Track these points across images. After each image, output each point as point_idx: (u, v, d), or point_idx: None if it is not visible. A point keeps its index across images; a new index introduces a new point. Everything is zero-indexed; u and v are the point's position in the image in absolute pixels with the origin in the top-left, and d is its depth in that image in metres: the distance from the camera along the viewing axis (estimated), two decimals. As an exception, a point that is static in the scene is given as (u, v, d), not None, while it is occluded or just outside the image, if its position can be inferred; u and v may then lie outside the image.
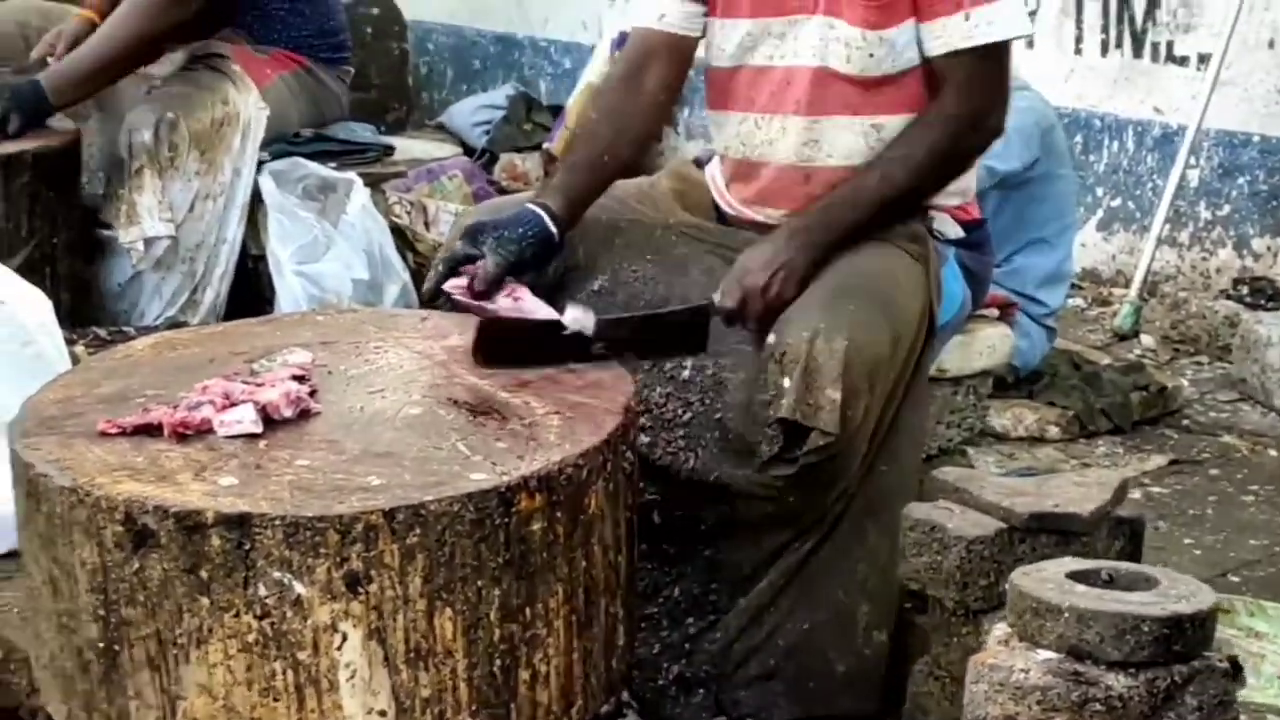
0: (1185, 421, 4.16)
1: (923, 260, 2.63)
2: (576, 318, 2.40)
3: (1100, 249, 5.29)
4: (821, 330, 2.39)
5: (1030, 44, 5.32)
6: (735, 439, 2.51)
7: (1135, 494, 3.67)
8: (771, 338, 2.45)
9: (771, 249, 2.54)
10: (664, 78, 2.78)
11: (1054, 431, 3.96)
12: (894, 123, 2.62)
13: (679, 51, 2.79)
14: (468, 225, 2.61)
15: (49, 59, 4.05)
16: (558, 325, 2.39)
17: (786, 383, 2.38)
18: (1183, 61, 5.03)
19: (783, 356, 2.39)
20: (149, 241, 3.85)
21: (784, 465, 2.43)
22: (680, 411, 2.58)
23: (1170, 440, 4.03)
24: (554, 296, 2.60)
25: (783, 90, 2.68)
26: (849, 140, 2.64)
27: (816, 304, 2.45)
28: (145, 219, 3.84)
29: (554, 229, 2.61)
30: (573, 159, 2.77)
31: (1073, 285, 5.00)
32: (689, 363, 2.59)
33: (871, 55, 2.60)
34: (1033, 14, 5.29)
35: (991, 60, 2.57)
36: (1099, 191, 5.29)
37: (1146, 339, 4.77)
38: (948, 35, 2.56)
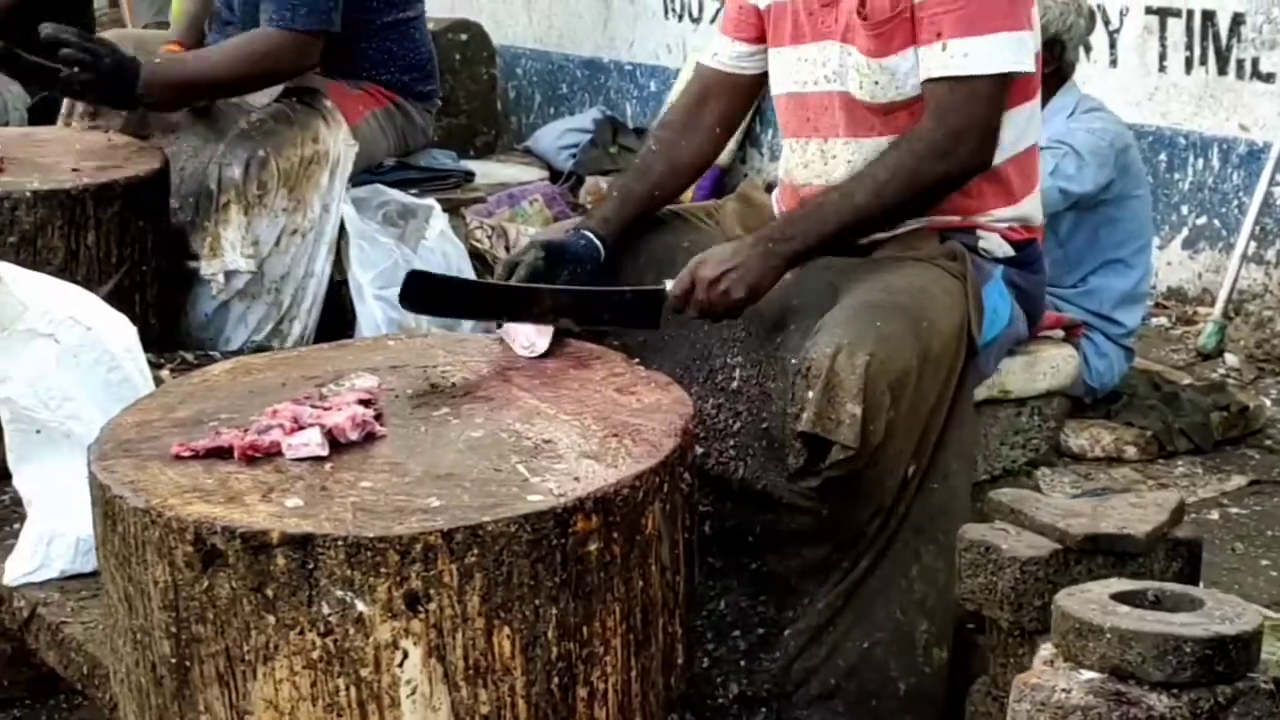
0: (1268, 442, 4.13)
1: (960, 277, 2.66)
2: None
3: (1185, 267, 5.25)
4: (845, 345, 2.42)
5: (1113, 62, 5.30)
6: (778, 448, 2.56)
7: (1213, 515, 3.65)
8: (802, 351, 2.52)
9: (731, 249, 2.61)
10: (721, 113, 2.91)
11: (1132, 452, 3.95)
12: None
13: (734, 89, 2.91)
14: (543, 243, 2.73)
15: None
16: (490, 289, 2.59)
17: (809, 396, 2.42)
18: (1268, 78, 5.00)
19: (808, 370, 2.44)
20: (230, 274, 3.94)
21: (810, 478, 2.47)
22: (730, 421, 2.64)
23: (1251, 461, 4.00)
24: None
25: (819, 115, 2.76)
26: None
27: (843, 319, 2.49)
28: (228, 252, 3.92)
29: (602, 250, 2.78)
30: (627, 189, 2.89)
31: (1156, 304, 4.98)
32: (737, 373, 2.65)
33: (876, 82, 2.66)
34: (1115, 32, 5.28)
35: (966, 91, 2.57)
36: (1183, 210, 5.25)
37: (1231, 358, 4.73)
38: (927, 63, 2.60)
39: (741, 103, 2.93)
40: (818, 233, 2.61)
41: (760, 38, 2.87)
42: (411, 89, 4.26)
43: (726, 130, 2.93)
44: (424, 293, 2.59)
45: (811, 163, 2.79)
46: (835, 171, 2.75)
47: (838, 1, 2.70)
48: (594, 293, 2.65)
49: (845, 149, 2.74)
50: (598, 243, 2.76)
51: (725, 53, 2.91)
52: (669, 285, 2.61)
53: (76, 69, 3.74)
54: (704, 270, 2.57)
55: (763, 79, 2.92)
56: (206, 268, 3.91)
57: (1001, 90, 2.61)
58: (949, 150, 2.58)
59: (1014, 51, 2.59)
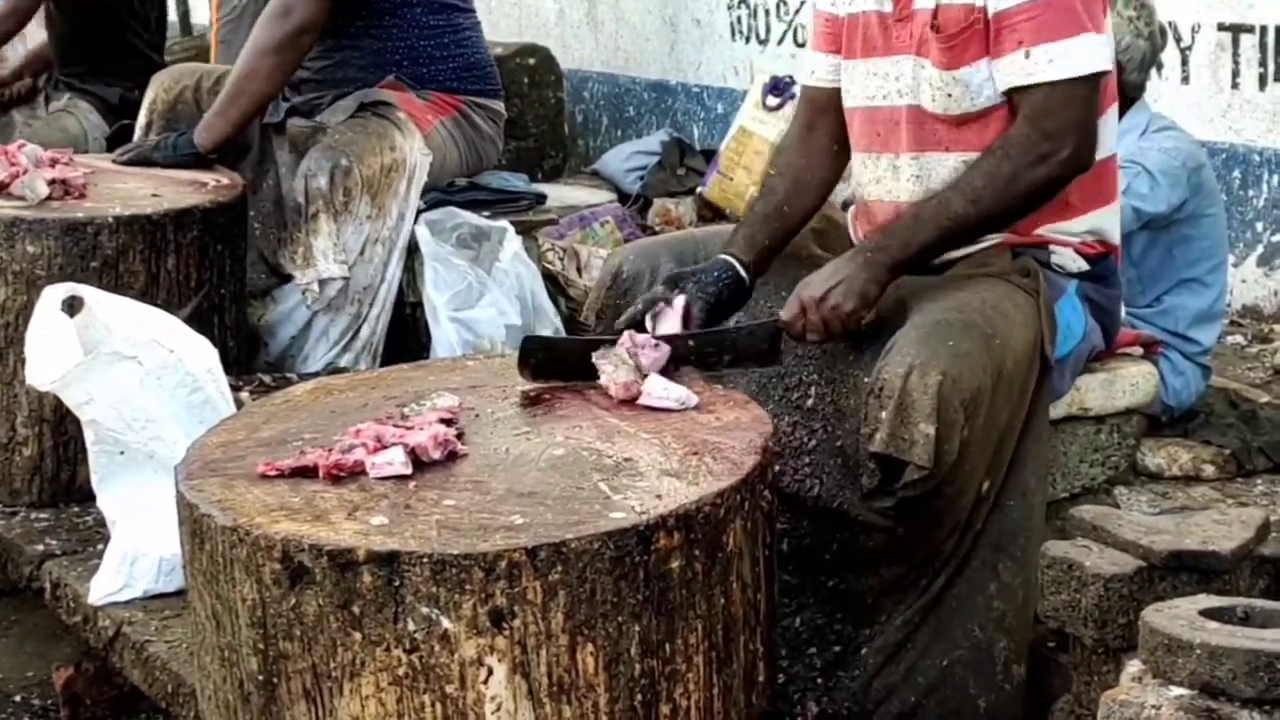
0: (1348, 460, 4.07)
1: (1033, 293, 2.65)
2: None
3: (1260, 285, 5.20)
4: (917, 365, 2.43)
5: (1185, 79, 5.26)
6: (853, 466, 2.56)
7: (1293, 533, 3.61)
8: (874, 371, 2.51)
9: (831, 267, 2.62)
10: (831, 128, 2.93)
11: (1209, 470, 3.90)
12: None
13: (837, 102, 2.91)
14: (671, 275, 2.76)
15: None
16: (607, 345, 2.50)
17: (883, 416, 2.42)
18: (1342, 94, 4.95)
19: (880, 390, 2.45)
20: (323, 283, 4.00)
21: (885, 497, 2.47)
22: (805, 439, 2.65)
23: (1331, 478, 3.95)
24: None
25: (890, 130, 2.77)
26: (947, 177, 2.70)
27: (915, 338, 2.49)
28: (320, 261, 4.00)
29: (745, 275, 2.77)
30: (753, 214, 2.93)
31: (1232, 322, 4.92)
32: (813, 390, 2.66)
33: (950, 95, 2.67)
34: (1186, 49, 5.24)
35: (1057, 95, 2.58)
36: (1258, 227, 5.20)
37: (1308, 375, 4.67)
38: (1010, 72, 2.61)
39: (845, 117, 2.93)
40: (917, 241, 2.62)
41: None
42: (470, 87, 4.34)
43: (844, 147, 2.93)
44: (543, 358, 2.53)
45: (883, 178, 2.80)
46: (903, 188, 2.75)
47: (912, 16, 2.71)
48: (710, 335, 2.63)
49: (912, 165, 2.75)
50: (739, 267, 2.77)
51: (821, 69, 2.92)
52: (781, 315, 2.62)
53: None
54: (809, 291, 2.59)
55: None
56: (301, 277, 3.99)
57: (1093, 91, 2.62)
58: (1047, 154, 2.58)
59: (1096, 52, 2.60)
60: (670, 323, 2.63)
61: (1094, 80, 2.61)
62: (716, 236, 2.97)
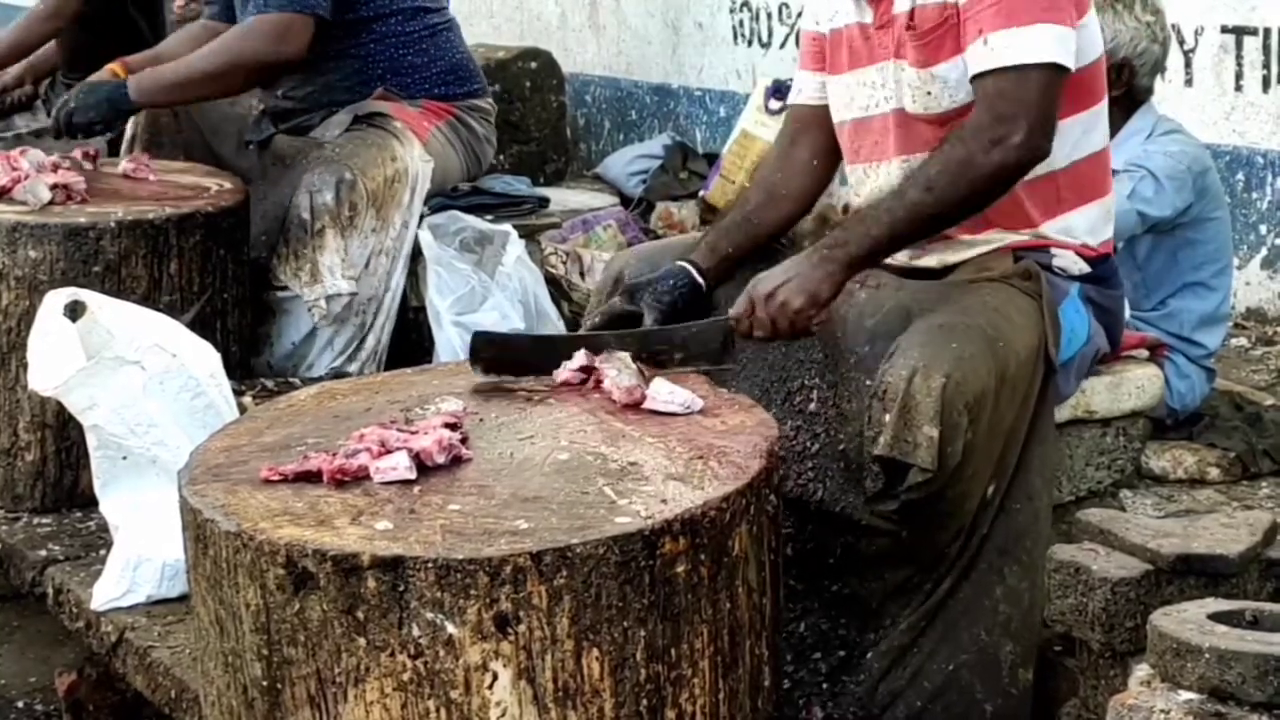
0: (1353, 462, 4.06)
1: (1036, 296, 2.64)
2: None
3: (1264, 287, 5.19)
4: (920, 368, 2.42)
5: (1189, 82, 5.26)
6: (857, 470, 2.55)
7: (1298, 536, 3.60)
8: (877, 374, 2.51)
9: (786, 265, 2.60)
10: (814, 146, 2.93)
11: (1215, 473, 3.89)
12: None
13: (823, 121, 2.92)
14: (627, 285, 2.77)
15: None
16: (557, 341, 2.54)
17: (886, 419, 2.42)
18: (1346, 96, 4.94)
19: (883, 394, 2.44)
20: (330, 298, 3.99)
21: (889, 501, 2.46)
22: (809, 444, 2.64)
23: (1336, 481, 3.94)
24: None
25: (884, 138, 2.77)
26: None
27: (919, 341, 2.48)
28: (327, 277, 3.99)
29: (702, 281, 2.76)
30: (724, 222, 2.94)
31: (1236, 325, 4.92)
32: (815, 395, 2.65)
33: (929, 93, 2.67)
34: (1190, 52, 5.24)
35: (1011, 80, 2.55)
36: (1262, 229, 5.19)
37: (1313, 378, 4.67)
38: (972, 60, 2.60)
39: (832, 135, 2.92)
40: (871, 234, 2.57)
41: None
42: (456, 89, 4.33)
43: (824, 163, 2.93)
44: (492, 354, 2.55)
45: (883, 188, 2.78)
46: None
47: (891, 21, 2.72)
48: (657, 333, 2.63)
49: (902, 168, 2.74)
50: (695, 274, 2.77)
51: (808, 87, 2.94)
52: (730, 311, 2.61)
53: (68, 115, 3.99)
54: (760, 287, 2.57)
55: None
56: (309, 294, 3.97)
57: (1051, 82, 2.57)
58: (1000, 138, 2.52)
59: (1056, 44, 2.56)
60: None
61: (1051, 69, 2.56)
62: None
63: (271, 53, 4.00)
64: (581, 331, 2.69)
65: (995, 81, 2.56)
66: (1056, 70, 2.57)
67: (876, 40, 2.75)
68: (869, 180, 2.83)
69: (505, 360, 2.55)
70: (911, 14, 2.67)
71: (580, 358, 2.49)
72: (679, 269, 2.76)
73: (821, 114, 2.91)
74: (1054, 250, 2.75)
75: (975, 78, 2.60)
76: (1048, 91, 2.57)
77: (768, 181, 2.94)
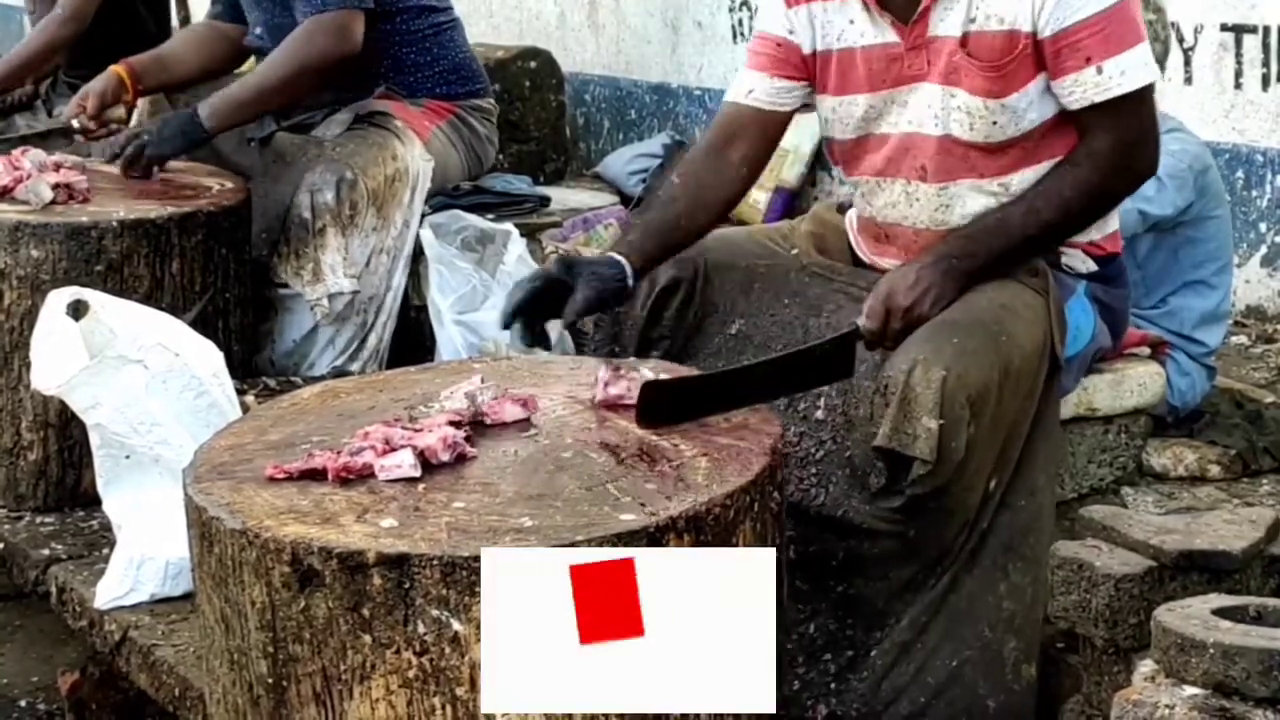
0: (1353, 460, 4.07)
1: (1042, 293, 2.65)
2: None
3: (1264, 285, 5.19)
4: (921, 360, 2.43)
5: (1188, 80, 5.26)
6: (861, 475, 2.55)
7: (1299, 533, 3.61)
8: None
9: (915, 272, 2.59)
10: (748, 153, 2.85)
11: (1215, 471, 3.89)
12: (1020, 178, 2.67)
13: (766, 127, 2.86)
14: (562, 254, 2.70)
15: (77, 120, 4.26)
16: (714, 379, 2.42)
17: (887, 412, 2.43)
18: (1346, 93, 4.94)
19: (885, 387, 2.45)
20: (332, 297, 4.00)
21: (893, 497, 2.47)
22: (813, 450, 2.64)
23: (1337, 478, 3.94)
24: (691, 342, 2.72)
25: (901, 156, 2.74)
26: (981, 201, 2.69)
27: (922, 336, 2.50)
28: (329, 276, 3.99)
29: (630, 280, 2.70)
30: (648, 220, 2.84)
31: (1236, 322, 4.92)
32: (822, 402, 2.64)
33: (995, 123, 2.64)
34: (1189, 50, 5.24)
35: (1131, 105, 2.61)
36: (1262, 227, 5.20)
37: (1313, 375, 4.67)
38: (1082, 90, 2.60)
39: (768, 144, 2.88)
40: (1002, 248, 2.63)
41: (803, 77, 2.83)
42: (459, 89, 4.33)
43: (752, 170, 2.87)
44: (660, 404, 2.34)
45: (898, 203, 2.77)
46: (921, 214, 2.74)
47: (928, 43, 2.67)
48: (797, 354, 2.55)
49: (941, 194, 2.72)
50: (628, 271, 2.69)
51: (762, 89, 2.84)
52: (861, 323, 2.58)
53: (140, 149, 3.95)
54: (898, 300, 2.56)
55: (793, 116, 2.89)
56: (311, 293, 3.98)
57: (1153, 99, 2.66)
58: (1130, 165, 2.63)
59: (1152, 61, 2.65)
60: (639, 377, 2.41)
61: (1152, 87, 2.65)
62: (717, 239, 2.95)
63: (335, 51, 4.00)
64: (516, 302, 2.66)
65: (1119, 109, 2.60)
66: (1153, 85, 2.65)
67: (907, 61, 2.69)
68: (884, 194, 2.80)
69: (673, 408, 2.35)
70: (964, 40, 2.63)
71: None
72: (616, 260, 2.68)
73: (765, 118, 2.84)
74: (1062, 248, 2.76)
75: (1088, 108, 2.61)
76: (1153, 110, 2.67)
77: (699, 185, 2.83)
